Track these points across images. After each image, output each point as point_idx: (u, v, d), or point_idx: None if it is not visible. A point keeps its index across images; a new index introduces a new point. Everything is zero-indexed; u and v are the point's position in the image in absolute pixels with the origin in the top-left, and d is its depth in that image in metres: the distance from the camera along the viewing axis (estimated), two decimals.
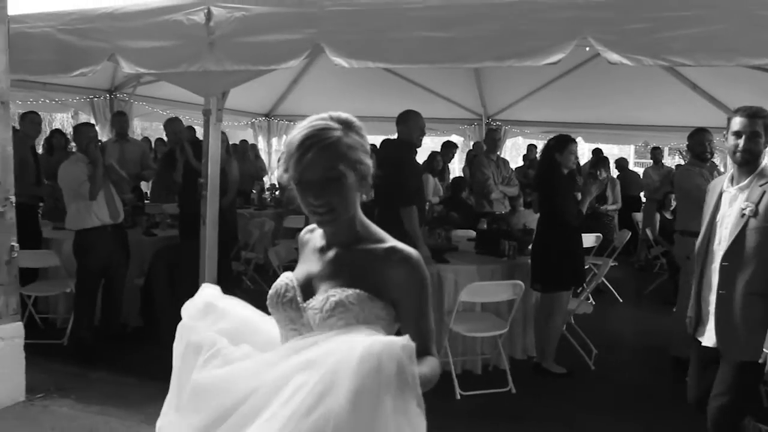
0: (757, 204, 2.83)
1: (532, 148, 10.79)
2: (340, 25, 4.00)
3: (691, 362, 3.22)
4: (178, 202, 5.96)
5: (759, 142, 2.93)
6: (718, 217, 3.02)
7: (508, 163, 6.86)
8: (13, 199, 4.17)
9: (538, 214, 5.08)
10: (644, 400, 4.54)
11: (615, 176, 9.49)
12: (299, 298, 1.66)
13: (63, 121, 19.02)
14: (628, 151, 19.56)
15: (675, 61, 3.66)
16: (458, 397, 4.39)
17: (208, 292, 1.83)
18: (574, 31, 3.62)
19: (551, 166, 4.78)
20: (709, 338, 3.01)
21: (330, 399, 1.34)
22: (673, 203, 7.43)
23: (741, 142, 2.93)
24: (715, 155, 6.18)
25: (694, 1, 3.49)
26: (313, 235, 1.80)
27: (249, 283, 7.07)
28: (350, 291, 1.59)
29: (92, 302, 5.19)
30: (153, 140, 10.88)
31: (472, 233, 5.75)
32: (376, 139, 5.24)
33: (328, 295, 1.61)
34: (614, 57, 3.56)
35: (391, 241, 1.69)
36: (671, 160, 17.03)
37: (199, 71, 4.30)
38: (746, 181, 2.94)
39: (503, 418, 4.17)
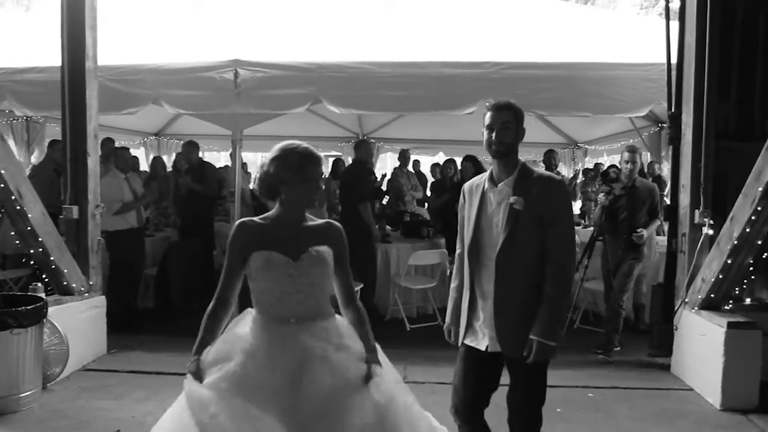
0: (526, 198, 2.82)
1: (436, 167, 12.79)
2: (333, 85, 6.11)
3: (460, 369, 3.07)
4: (179, 208, 7.68)
5: (509, 134, 2.87)
6: (486, 216, 2.94)
7: (414, 174, 9.30)
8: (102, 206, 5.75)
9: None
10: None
11: None
12: (290, 260, 2.52)
13: None
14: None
15: (540, 114, 6.35)
16: (408, 329, 6.65)
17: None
18: (482, 94, 6.03)
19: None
20: (490, 341, 2.90)
21: None
22: None
23: (494, 134, 2.87)
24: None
25: (548, 80, 6.06)
26: (266, 223, 2.61)
27: None
28: (323, 246, 2.56)
29: (122, 286, 6.73)
30: None
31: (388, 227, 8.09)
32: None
33: (311, 250, 2.53)
34: None
35: (323, 220, 2.72)
36: None
37: (229, 113, 6.18)
38: (510, 178, 2.89)
39: (434, 340, 6.25)
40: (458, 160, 8.24)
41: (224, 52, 6.20)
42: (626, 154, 5.79)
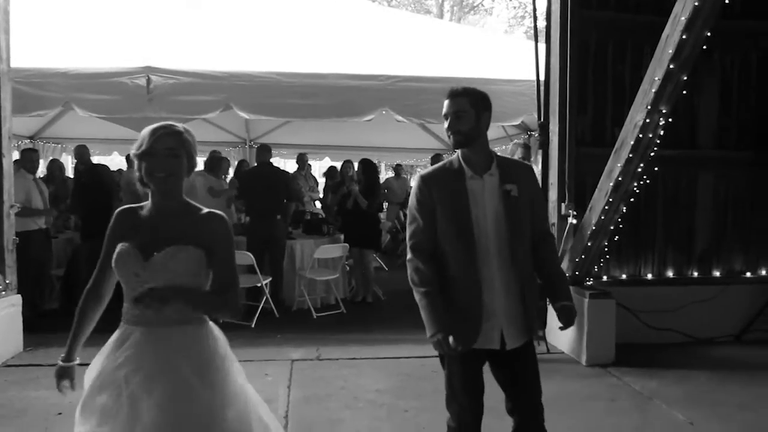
0: (518, 184, 2.73)
1: (333, 169, 11.75)
2: (242, 92, 6.59)
3: (461, 379, 2.81)
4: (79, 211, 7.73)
5: (464, 122, 2.66)
6: (478, 208, 2.71)
7: (312, 177, 9.88)
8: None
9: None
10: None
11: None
12: (141, 257, 2.18)
13: None
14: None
15: (428, 121, 7.14)
16: (314, 317, 7.22)
17: None
18: (380, 104, 6.78)
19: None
20: (509, 337, 2.71)
21: None
22: None
23: (447, 124, 2.72)
24: None
25: (435, 92, 6.86)
26: (141, 212, 2.29)
27: None
28: (188, 246, 2.17)
29: (30, 287, 6.77)
30: None
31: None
32: None
33: (166, 251, 2.16)
34: (399, 118, 6.85)
35: (207, 209, 2.27)
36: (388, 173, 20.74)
37: (141, 117, 6.46)
38: (494, 166, 2.74)
39: (340, 325, 7.02)
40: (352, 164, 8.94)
41: (136, 59, 6.50)
42: (521, 150, 6.25)
